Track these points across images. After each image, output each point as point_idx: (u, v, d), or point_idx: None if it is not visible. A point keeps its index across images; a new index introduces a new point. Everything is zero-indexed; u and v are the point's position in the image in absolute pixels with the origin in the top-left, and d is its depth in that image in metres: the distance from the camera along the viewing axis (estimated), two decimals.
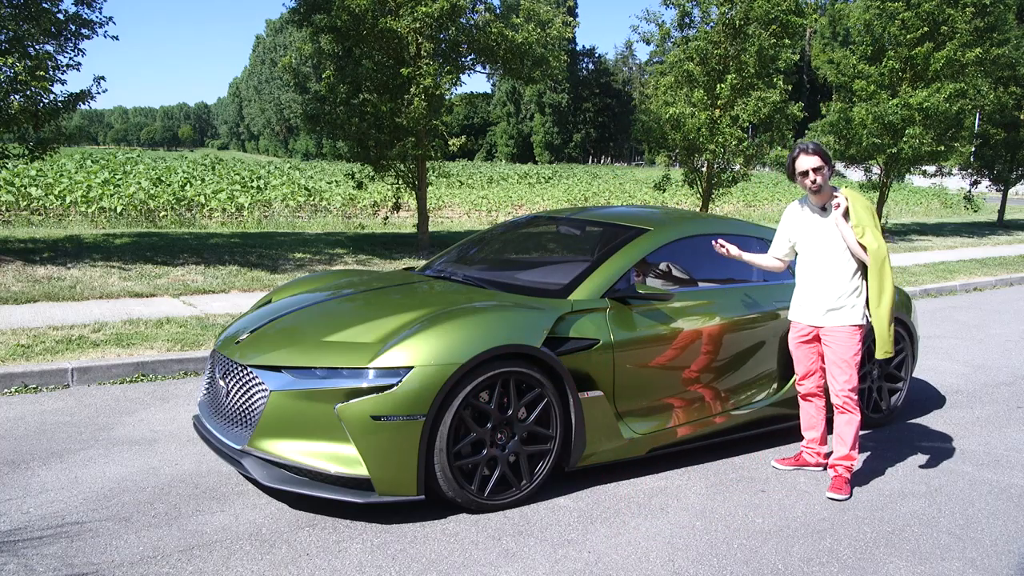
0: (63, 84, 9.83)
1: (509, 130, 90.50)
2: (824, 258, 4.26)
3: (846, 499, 4.12)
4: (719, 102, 14.15)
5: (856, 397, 4.26)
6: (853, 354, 4.22)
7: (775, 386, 4.88)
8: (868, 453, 4.84)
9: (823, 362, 4.36)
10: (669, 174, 16.44)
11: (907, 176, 20.34)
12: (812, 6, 15.42)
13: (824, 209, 4.27)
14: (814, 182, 4.17)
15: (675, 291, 4.49)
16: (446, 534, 3.54)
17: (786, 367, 4.90)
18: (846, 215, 4.18)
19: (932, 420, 5.56)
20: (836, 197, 4.21)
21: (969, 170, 21.92)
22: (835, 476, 4.23)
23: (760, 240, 5.12)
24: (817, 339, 4.36)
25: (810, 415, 4.51)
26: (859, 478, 4.41)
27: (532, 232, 5.74)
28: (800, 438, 4.64)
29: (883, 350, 4.15)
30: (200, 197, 18.90)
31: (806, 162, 4.17)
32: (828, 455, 4.49)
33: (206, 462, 4.22)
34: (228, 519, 3.58)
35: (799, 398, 4.54)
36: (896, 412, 5.46)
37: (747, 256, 4.57)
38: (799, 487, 4.25)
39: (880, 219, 19.45)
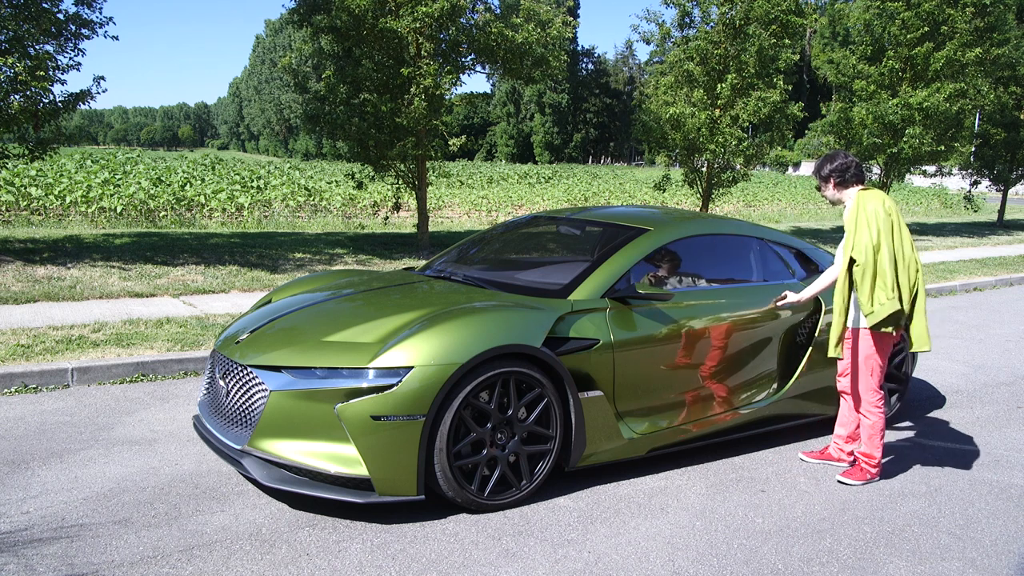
0: (63, 84, 9.86)
1: (509, 130, 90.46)
2: (843, 260, 4.35)
3: (855, 485, 4.25)
4: (719, 102, 14.15)
5: (871, 399, 4.30)
6: (866, 356, 4.26)
7: (776, 385, 4.87)
8: None
9: None
10: (669, 174, 16.45)
11: (907, 176, 20.31)
12: (812, 6, 15.43)
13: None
14: (821, 194, 4.44)
15: (676, 291, 4.49)
16: (446, 534, 3.54)
17: (787, 366, 4.90)
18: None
19: (932, 420, 5.56)
20: (847, 202, 4.32)
21: (969, 170, 21.92)
22: (854, 464, 4.39)
23: (760, 240, 5.12)
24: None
25: (843, 412, 4.59)
26: None
27: (532, 232, 5.73)
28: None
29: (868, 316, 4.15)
30: (200, 197, 18.89)
31: (815, 179, 4.46)
32: (852, 453, 4.55)
33: (206, 462, 4.23)
34: (228, 519, 3.58)
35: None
36: (896, 412, 5.46)
37: (816, 288, 4.61)
38: (799, 487, 4.25)
39: None
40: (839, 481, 4.29)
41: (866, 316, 4.14)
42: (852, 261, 4.17)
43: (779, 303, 4.67)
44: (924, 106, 15.32)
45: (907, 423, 5.47)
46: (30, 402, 5.11)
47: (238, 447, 3.71)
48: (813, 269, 5.25)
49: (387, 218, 16.24)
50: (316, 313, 4.24)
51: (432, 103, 11.43)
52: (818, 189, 4.45)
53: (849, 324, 4.31)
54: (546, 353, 3.79)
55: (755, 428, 4.78)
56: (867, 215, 4.16)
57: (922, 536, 3.73)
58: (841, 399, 4.59)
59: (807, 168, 63.02)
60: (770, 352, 4.83)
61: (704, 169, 15.28)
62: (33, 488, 3.82)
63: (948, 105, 15.44)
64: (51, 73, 9.21)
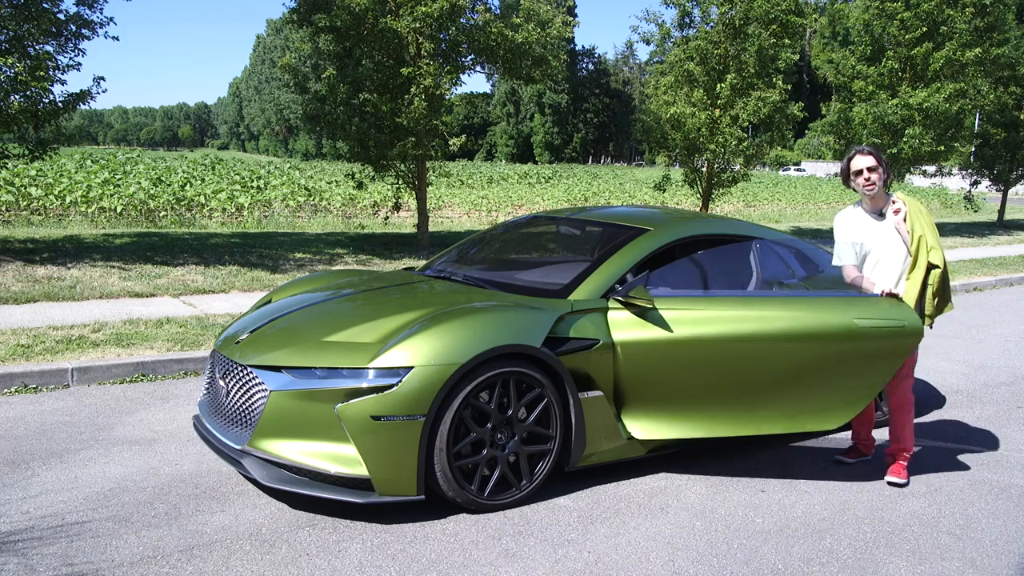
0: (63, 84, 9.85)
1: (509, 130, 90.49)
2: (883, 262, 4.35)
3: (905, 484, 4.31)
4: (719, 102, 14.15)
5: (910, 394, 4.38)
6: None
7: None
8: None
9: None
10: (669, 174, 16.46)
11: (907, 176, 20.33)
12: (812, 6, 15.47)
13: (880, 214, 4.34)
14: (868, 180, 4.25)
15: (676, 293, 4.42)
16: (446, 534, 3.54)
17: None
18: (906, 220, 4.25)
19: (932, 420, 5.56)
20: (895, 202, 4.28)
21: (969, 170, 21.92)
22: (894, 463, 4.42)
23: (761, 240, 5.10)
24: None
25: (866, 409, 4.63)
26: (859, 478, 4.41)
27: (532, 232, 5.73)
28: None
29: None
30: (200, 197, 18.88)
31: (861, 161, 4.28)
32: (872, 445, 4.66)
33: (206, 462, 4.23)
34: (228, 519, 3.59)
35: None
36: None
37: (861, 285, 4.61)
38: (799, 487, 4.25)
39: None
40: (889, 483, 4.32)
41: (930, 317, 4.34)
42: (930, 266, 4.21)
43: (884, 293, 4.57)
44: (924, 106, 15.34)
45: None
46: (30, 402, 5.11)
47: (238, 447, 3.71)
48: (813, 269, 5.24)
49: (387, 218, 16.24)
50: (316, 313, 4.24)
51: (432, 103, 11.43)
52: (868, 171, 4.20)
53: None
54: (546, 353, 3.79)
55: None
56: (925, 219, 4.18)
57: (922, 536, 3.73)
58: None
59: (807, 168, 62.95)
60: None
61: (704, 169, 15.29)
62: (33, 488, 3.82)
63: (948, 105, 15.45)
64: (51, 73, 9.21)
